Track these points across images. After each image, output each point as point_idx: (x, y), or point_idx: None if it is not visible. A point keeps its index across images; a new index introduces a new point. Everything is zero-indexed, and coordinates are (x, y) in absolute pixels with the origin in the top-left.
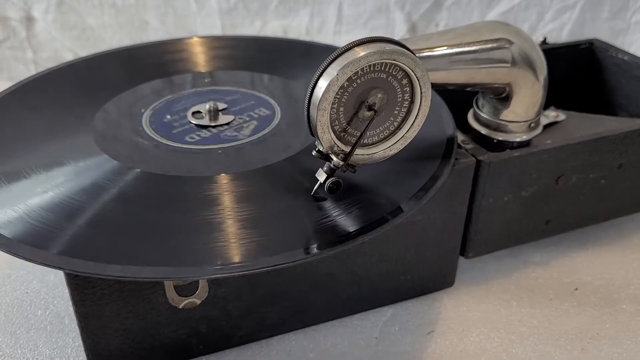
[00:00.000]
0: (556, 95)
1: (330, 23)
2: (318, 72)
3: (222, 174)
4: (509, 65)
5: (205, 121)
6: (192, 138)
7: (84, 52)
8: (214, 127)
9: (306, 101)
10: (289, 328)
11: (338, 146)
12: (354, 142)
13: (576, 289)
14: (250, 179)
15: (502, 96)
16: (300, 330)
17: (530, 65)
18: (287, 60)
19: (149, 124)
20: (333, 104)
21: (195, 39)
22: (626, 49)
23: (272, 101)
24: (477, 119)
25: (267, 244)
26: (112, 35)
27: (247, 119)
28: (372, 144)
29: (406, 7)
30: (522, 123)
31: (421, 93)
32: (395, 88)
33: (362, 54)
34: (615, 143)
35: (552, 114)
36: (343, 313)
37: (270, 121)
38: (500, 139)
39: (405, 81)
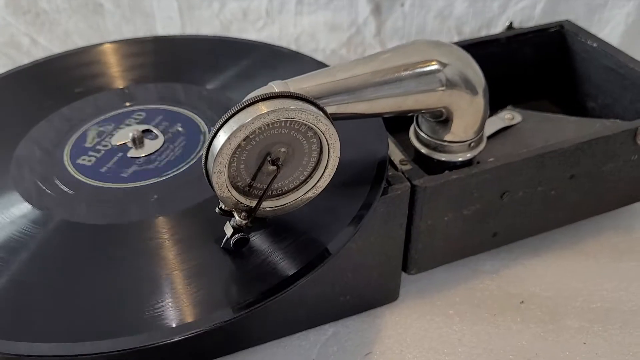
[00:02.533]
0: (524, 82)
1: (291, 4)
2: (212, 133)
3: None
4: (443, 88)
5: (133, 152)
6: (125, 173)
7: (41, 37)
8: (142, 158)
9: (203, 161)
10: (224, 352)
11: (242, 203)
12: (260, 195)
13: (522, 302)
14: (178, 223)
15: (440, 119)
16: (238, 352)
17: (467, 84)
18: (213, 64)
19: (70, 162)
20: (232, 162)
21: (107, 45)
22: (603, 27)
23: (197, 118)
24: (417, 136)
25: (199, 300)
26: (67, 19)
27: (172, 145)
28: (282, 194)
29: None
30: (462, 143)
31: (328, 145)
32: (301, 140)
33: (252, 116)
34: (564, 156)
35: (507, 116)
36: (282, 333)
37: (197, 143)
38: (441, 159)
39: (310, 133)
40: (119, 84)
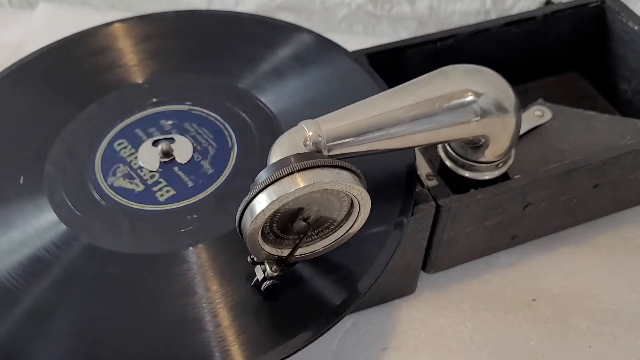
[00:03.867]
0: (557, 55)
1: None
2: (248, 199)
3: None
4: (477, 119)
5: (162, 167)
6: (162, 195)
7: None
8: (172, 173)
9: (237, 220)
10: None
11: (273, 254)
12: (290, 249)
13: (534, 299)
14: (216, 251)
15: (472, 144)
16: None
17: (500, 109)
18: (236, 49)
19: (105, 180)
20: (265, 222)
21: (121, 25)
22: None
23: (221, 122)
24: (445, 149)
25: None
26: None
27: (200, 156)
28: (311, 242)
29: None
30: (491, 164)
31: (360, 204)
32: (333, 200)
33: (288, 190)
34: (591, 170)
35: (536, 113)
36: None
37: (228, 151)
38: (467, 176)
39: (342, 194)
40: (139, 77)
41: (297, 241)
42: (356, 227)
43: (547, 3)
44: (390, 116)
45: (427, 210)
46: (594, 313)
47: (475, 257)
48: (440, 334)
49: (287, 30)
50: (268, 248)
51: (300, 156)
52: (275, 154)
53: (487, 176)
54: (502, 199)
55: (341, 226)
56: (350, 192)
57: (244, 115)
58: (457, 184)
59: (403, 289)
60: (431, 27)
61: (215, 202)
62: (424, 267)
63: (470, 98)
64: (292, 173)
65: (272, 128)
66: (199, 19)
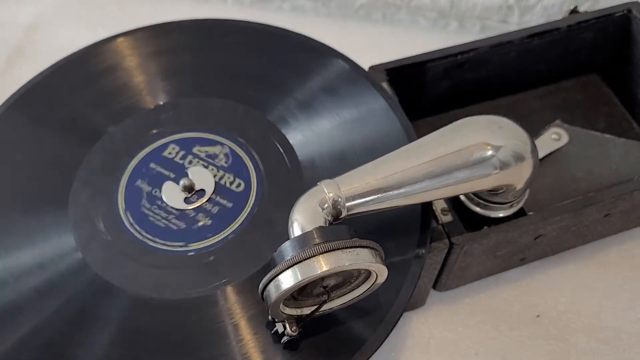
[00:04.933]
0: (577, 60)
1: None
2: (270, 275)
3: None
4: (497, 172)
5: (196, 199)
6: (177, 229)
7: None
8: (209, 200)
9: (260, 291)
10: None
11: (292, 315)
12: (309, 307)
13: (538, 315)
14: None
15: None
16: None
17: (518, 158)
18: (264, 70)
19: (130, 217)
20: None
21: (127, 39)
22: None
23: (249, 163)
24: None
25: None
26: None
27: (221, 173)
28: (329, 301)
29: None
30: (506, 204)
31: (377, 275)
32: (351, 271)
33: (311, 274)
34: (603, 205)
35: (553, 137)
36: None
37: (240, 161)
38: (481, 213)
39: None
40: (150, 102)
41: (317, 306)
42: (371, 290)
43: (572, 12)
44: (409, 175)
45: (440, 248)
46: (595, 331)
47: (484, 277)
48: (447, 349)
49: (321, 53)
50: (288, 311)
51: (321, 233)
52: (297, 217)
53: (501, 214)
54: (514, 235)
55: (359, 287)
56: (369, 268)
57: (269, 158)
58: (471, 219)
59: (414, 303)
60: (452, 19)
61: (237, 242)
62: (434, 286)
63: (489, 152)
64: (315, 255)
65: (297, 176)
66: (221, 29)
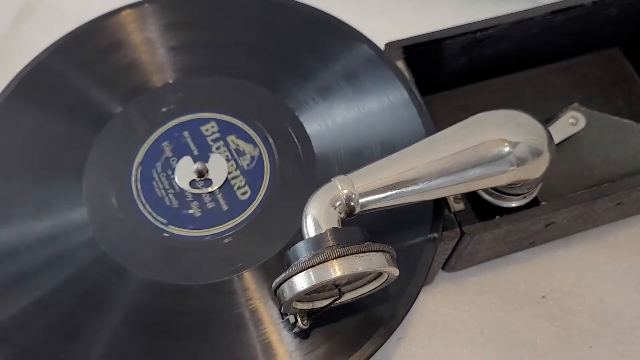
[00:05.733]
0: (599, 34)
1: None
2: (284, 276)
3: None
4: (514, 168)
5: (200, 186)
6: (195, 214)
7: None
8: (209, 193)
9: (273, 289)
10: None
11: (304, 309)
12: (321, 301)
13: (543, 296)
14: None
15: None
16: None
17: (535, 153)
18: (285, 50)
19: (143, 199)
20: None
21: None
22: None
23: (264, 150)
24: None
25: None
26: None
27: (237, 173)
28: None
29: None
30: (519, 195)
31: (388, 275)
32: (364, 272)
33: (325, 279)
34: (618, 196)
35: (570, 121)
36: None
37: (261, 171)
38: (494, 203)
39: None
40: (168, 76)
41: (329, 303)
42: (383, 285)
43: None
44: (423, 172)
45: (451, 237)
46: (598, 314)
47: (492, 259)
48: (453, 326)
49: (346, 36)
50: (300, 306)
51: (335, 235)
52: (310, 213)
53: (514, 204)
54: (525, 224)
55: (370, 283)
56: (381, 271)
57: (286, 149)
58: (483, 207)
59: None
60: None
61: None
62: (443, 267)
63: (506, 149)
64: (329, 260)
65: (312, 166)
66: (239, 3)
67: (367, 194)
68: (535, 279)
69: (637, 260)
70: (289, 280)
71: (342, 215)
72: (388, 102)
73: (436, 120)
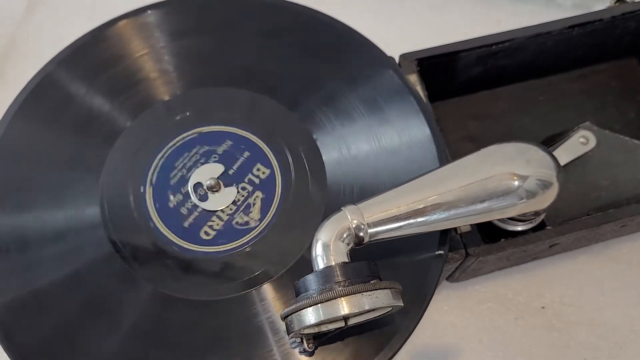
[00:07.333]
0: (615, 45)
1: None
2: (293, 308)
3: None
4: (523, 201)
5: (212, 203)
6: (207, 234)
7: None
8: (222, 211)
9: (281, 317)
10: None
11: (309, 333)
12: (326, 327)
13: (543, 307)
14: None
15: None
16: None
17: (545, 186)
18: (306, 64)
19: (157, 212)
20: None
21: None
22: None
23: (266, 150)
24: None
25: None
26: None
27: (250, 188)
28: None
29: None
30: (525, 221)
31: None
32: None
33: (334, 315)
34: (622, 221)
35: (580, 140)
36: None
37: (273, 189)
38: (498, 225)
39: None
40: (172, 88)
41: (335, 329)
42: (388, 314)
43: (618, 1)
44: (433, 203)
45: (456, 258)
46: (595, 326)
47: (495, 271)
48: (454, 334)
49: (371, 55)
50: (307, 330)
51: (344, 271)
52: (322, 239)
53: (519, 228)
54: (530, 247)
55: (374, 311)
56: (387, 306)
57: (300, 174)
58: (489, 228)
59: None
60: None
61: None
62: (447, 278)
63: (515, 183)
64: (338, 297)
65: (323, 191)
66: (256, 7)
67: (376, 224)
68: (536, 289)
69: (638, 274)
70: (298, 313)
71: (351, 245)
72: (408, 139)
73: (446, 127)
